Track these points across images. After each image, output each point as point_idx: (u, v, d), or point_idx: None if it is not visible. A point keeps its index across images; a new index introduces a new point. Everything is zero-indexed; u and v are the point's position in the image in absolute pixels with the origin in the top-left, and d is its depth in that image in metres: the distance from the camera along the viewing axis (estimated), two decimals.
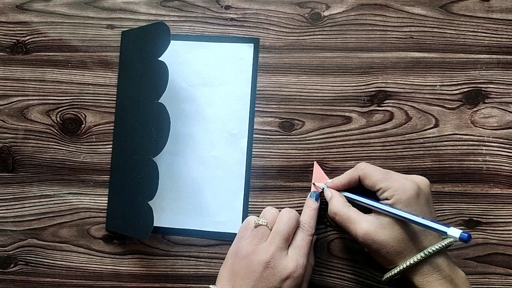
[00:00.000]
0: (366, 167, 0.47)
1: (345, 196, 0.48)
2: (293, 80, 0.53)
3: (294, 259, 0.43)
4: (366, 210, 0.46)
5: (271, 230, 0.46)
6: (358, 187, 0.48)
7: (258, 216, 0.47)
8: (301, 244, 0.45)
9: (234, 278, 0.44)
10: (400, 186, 0.44)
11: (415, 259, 0.43)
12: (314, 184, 0.51)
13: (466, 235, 0.38)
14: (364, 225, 0.44)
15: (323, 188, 0.50)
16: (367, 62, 0.53)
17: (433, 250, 0.42)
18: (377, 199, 0.46)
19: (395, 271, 0.44)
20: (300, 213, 0.48)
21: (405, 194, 0.44)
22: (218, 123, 0.53)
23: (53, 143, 0.54)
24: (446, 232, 0.40)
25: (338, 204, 0.47)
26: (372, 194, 0.46)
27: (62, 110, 0.54)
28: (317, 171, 0.51)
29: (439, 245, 0.43)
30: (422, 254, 0.43)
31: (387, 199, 0.44)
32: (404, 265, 0.43)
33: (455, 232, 0.39)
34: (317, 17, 0.53)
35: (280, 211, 0.47)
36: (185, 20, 0.54)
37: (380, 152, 0.52)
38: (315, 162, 0.52)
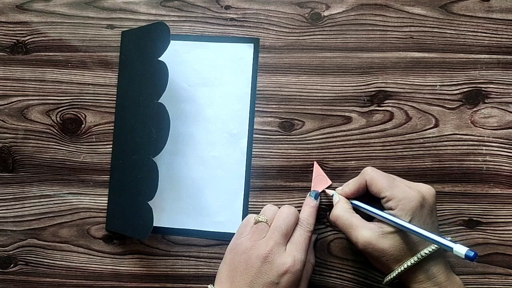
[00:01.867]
0: (372, 172, 0.47)
1: (352, 203, 0.48)
2: (293, 80, 0.53)
3: (292, 254, 0.43)
4: (370, 217, 0.46)
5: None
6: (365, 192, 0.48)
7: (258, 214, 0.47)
8: (299, 240, 0.45)
9: (233, 273, 0.44)
10: (405, 196, 0.44)
11: (411, 262, 0.43)
12: (327, 189, 0.51)
13: (472, 253, 0.38)
14: (365, 232, 0.44)
15: (333, 195, 0.50)
16: (367, 62, 0.53)
17: (429, 251, 0.43)
18: (381, 205, 0.46)
19: (393, 275, 0.44)
20: (300, 212, 0.48)
21: (409, 204, 0.44)
22: (218, 123, 0.53)
23: (53, 143, 0.54)
24: (452, 248, 0.39)
25: (342, 210, 0.47)
26: (376, 199, 0.46)
27: (62, 110, 0.54)
28: (317, 171, 0.51)
29: (432, 248, 0.43)
30: (417, 256, 0.43)
31: (391, 208, 0.44)
32: (402, 268, 0.43)
33: (461, 249, 0.39)
34: (317, 17, 0.53)
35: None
36: (185, 20, 0.54)
37: (380, 152, 0.52)
38: (315, 162, 0.52)
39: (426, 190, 0.46)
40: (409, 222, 0.43)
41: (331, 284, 0.51)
